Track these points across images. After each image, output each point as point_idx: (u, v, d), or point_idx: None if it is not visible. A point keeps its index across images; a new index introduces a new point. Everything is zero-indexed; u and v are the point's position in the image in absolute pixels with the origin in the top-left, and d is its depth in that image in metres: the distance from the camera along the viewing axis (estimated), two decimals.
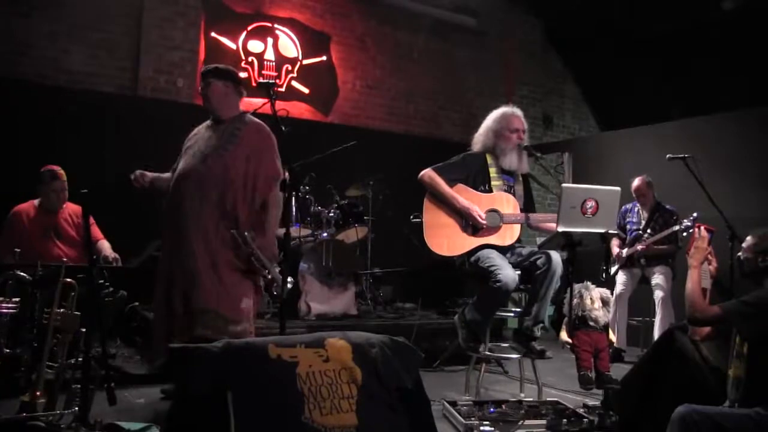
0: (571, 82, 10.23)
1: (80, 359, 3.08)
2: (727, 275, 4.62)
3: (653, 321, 5.87)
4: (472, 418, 3.50)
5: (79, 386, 2.99)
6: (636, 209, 6.27)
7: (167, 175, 3.84)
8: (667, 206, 6.13)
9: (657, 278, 5.92)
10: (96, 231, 4.96)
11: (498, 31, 9.42)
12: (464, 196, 4.15)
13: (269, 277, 3.69)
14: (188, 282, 3.52)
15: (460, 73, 9.18)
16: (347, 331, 2.83)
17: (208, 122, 3.89)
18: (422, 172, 4.27)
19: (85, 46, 6.69)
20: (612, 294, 5.46)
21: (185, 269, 3.54)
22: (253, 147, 3.74)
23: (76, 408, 2.99)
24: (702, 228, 3.23)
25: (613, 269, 6.19)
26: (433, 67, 8.97)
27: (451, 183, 4.21)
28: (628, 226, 6.26)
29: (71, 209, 4.99)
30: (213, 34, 7.44)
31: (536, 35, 9.88)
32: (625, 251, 6.13)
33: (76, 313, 3.19)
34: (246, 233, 3.60)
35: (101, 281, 4.18)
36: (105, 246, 4.92)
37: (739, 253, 3.09)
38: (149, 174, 3.86)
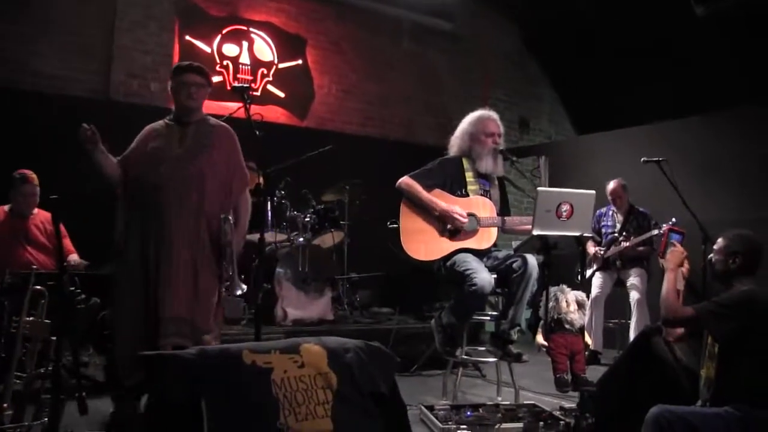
0: (547, 86, 10.29)
1: (50, 368, 3.04)
2: (700, 277, 4.69)
3: (629, 323, 5.92)
4: (450, 423, 3.52)
5: (48, 397, 2.95)
6: (611, 212, 6.34)
7: (114, 160, 3.62)
8: (641, 209, 6.21)
9: (632, 280, 5.98)
10: (68, 243, 4.90)
11: (474, 35, 9.46)
12: (441, 201, 4.17)
13: (230, 273, 3.65)
14: (166, 288, 3.44)
15: (437, 77, 9.22)
16: (322, 337, 2.83)
17: (166, 121, 3.73)
18: (399, 180, 4.28)
19: (55, 50, 6.61)
20: (588, 297, 5.51)
21: (164, 275, 3.46)
22: (227, 151, 3.71)
23: (46, 419, 2.94)
24: (677, 245, 3.30)
25: (588, 272, 6.24)
26: (409, 72, 8.98)
27: (429, 188, 4.23)
28: (603, 230, 6.33)
29: (43, 216, 4.94)
30: (187, 38, 7.40)
31: (513, 39, 9.94)
32: (602, 252, 6.19)
33: (46, 321, 3.15)
34: (228, 221, 3.59)
35: (72, 288, 4.12)
36: (73, 258, 4.88)
37: (711, 255, 3.15)
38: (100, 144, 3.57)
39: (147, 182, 3.55)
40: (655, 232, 5.83)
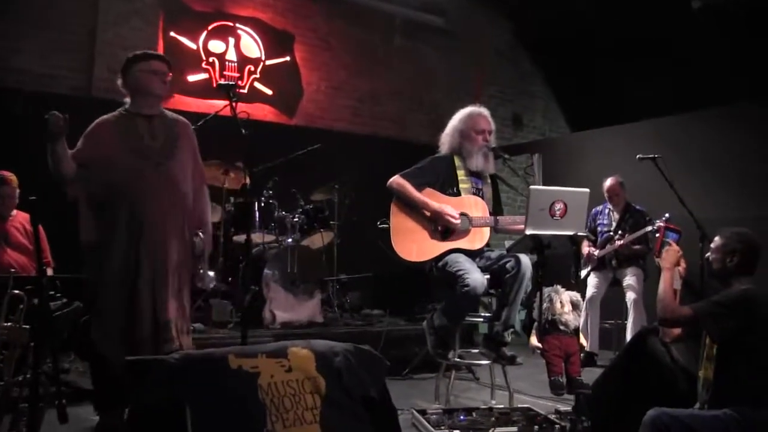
0: (541, 82, 10.31)
1: (29, 376, 3.00)
2: (697, 276, 4.69)
3: (626, 323, 5.93)
4: (442, 427, 3.50)
5: (27, 405, 2.91)
6: (606, 211, 6.34)
7: (69, 154, 3.45)
8: (638, 207, 6.22)
9: (629, 279, 5.99)
10: (45, 250, 4.87)
11: (466, 30, 9.45)
12: (432, 200, 4.15)
13: (200, 272, 3.69)
14: (159, 290, 3.43)
15: (428, 73, 9.21)
16: (311, 340, 2.82)
17: (122, 113, 3.60)
18: (390, 180, 4.26)
19: (36, 46, 6.58)
20: (583, 297, 5.50)
21: (156, 276, 3.44)
22: (191, 146, 3.72)
23: (24, 428, 2.91)
24: (673, 244, 3.29)
25: (584, 272, 6.25)
26: (399, 68, 8.98)
27: (420, 188, 4.21)
28: (598, 228, 6.33)
29: (22, 217, 4.91)
30: (172, 34, 7.37)
31: (506, 34, 9.94)
32: (597, 252, 6.19)
33: (25, 326, 3.12)
34: (197, 239, 3.62)
35: (53, 292, 4.09)
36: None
37: (708, 254, 3.14)
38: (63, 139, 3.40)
39: (130, 180, 3.46)
40: (649, 228, 5.83)
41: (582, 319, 5.71)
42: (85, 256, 3.53)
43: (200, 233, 3.67)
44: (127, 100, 3.64)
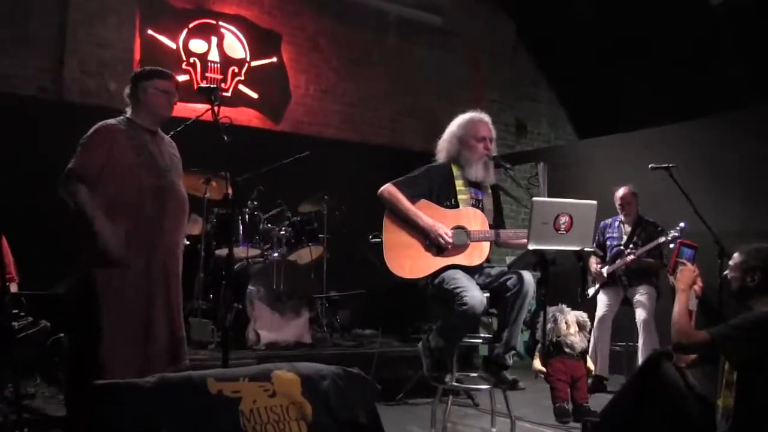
0: (545, 86, 10.34)
1: None
2: (715, 296, 4.69)
3: (636, 346, 5.92)
4: None
5: None
6: (617, 224, 6.34)
7: (88, 195, 3.58)
8: (650, 219, 6.22)
9: (639, 297, 5.97)
10: (9, 264, 4.84)
11: (465, 30, 9.48)
12: (427, 213, 4.13)
13: None
14: (171, 306, 3.62)
15: (424, 76, 9.22)
16: (296, 363, 2.81)
17: (130, 123, 3.77)
18: (381, 188, 4.24)
19: (1, 44, 6.56)
20: (590, 317, 5.48)
21: (169, 291, 3.63)
22: (181, 166, 3.97)
23: None
24: (687, 264, 3.29)
25: (592, 290, 6.23)
26: (393, 70, 8.99)
27: (414, 199, 4.19)
28: (608, 243, 6.31)
29: None
30: (150, 32, 7.36)
31: (507, 34, 9.97)
32: (605, 269, 6.17)
33: None
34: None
35: (17, 310, 4.06)
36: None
37: (726, 272, 3.14)
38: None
39: (146, 190, 3.64)
40: (662, 239, 5.81)
41: (592, 341, 5.72)
42: (94, 271, 3.57)
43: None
44: (128, 109, 3.80)
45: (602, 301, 6.15)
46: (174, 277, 3.72)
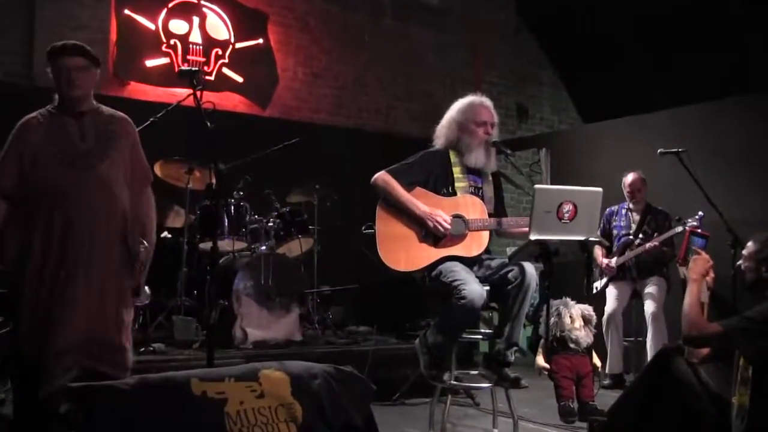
0: (548, 68, 10.34)
1: None
2: (729, 287, 4.69)
3: (645, 341, 5.92)
4: None
5: None
6: (624, 211, 6.31)
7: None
8: (660, 208, 6.21)
9: (648, 289, 5.97)
10: None
11: (464, 9, 9.47)
12: (422, 202, 4.12)
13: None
14: (93, 304, 3.43)
15: (420, 58, 9.21)
16: (285, 361, 2.80)
17: (50, 111, 3.62)
18: (375, 176, 4.23)
19: None
20: (596, 311, 5.46)
21: (90, 291, 3.44)
22: (131, 145, 3.72)
23: None
24: (700, 252, 3.28)
25: (599, 283, 6.21)
26: (388, 52, 8.97)
27: (409, 187, 4.18)
28: (615, 231, 6.29)
29: None
30: (126, 12, 7.32)
31: (508, 13, 9.97)
32: (614, 260, 6.14)
33: None
34: (142, 247, 3.63)
35: None
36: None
37: (740, 262, 3.14)
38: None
39: (49, 187, 3.48)
40: (679, 229, 5.74)
41: (609, 339, 5.76)
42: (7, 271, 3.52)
43: (143, 242, 3.66)
44: (56, 95, 3.64)
45: (611, 297, 6.14)
46: (104, 268, 3.50)
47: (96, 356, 3.40)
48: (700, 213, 5.39)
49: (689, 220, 5.59)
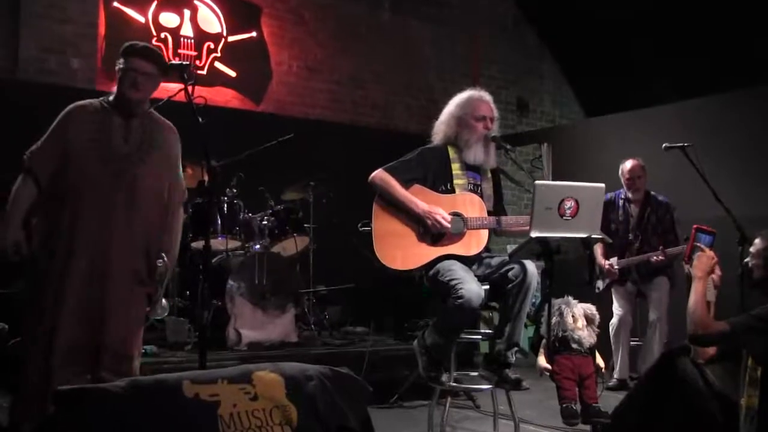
0: (549, 61, 10.34)
1: None
2: (735, 286, 4.69)
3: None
4: None
5: None
6: (621, 202, 6.19)
7: (24, 187, 3.54)
8: (660, 197, 6.11)
9: (654, 293, 5.96)
10: None
11: (462, 1, 9.49)
12: (421, 199, 4.13)
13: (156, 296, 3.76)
14: (104, 309, 3.47)
15: (418, 51, 9.22)
16: (279, 363, 2.80)
17: (103, 105, 3.69)
18: (373, 174, 4.24)
19: None
20: (598, 309, 5.44)
21: (104, 292, 3.48)
22: (174, 157, 3.81)
23: None
24: (706, 249, 3.27)
25: (600, 283, 6.17)
26: (384, 45, 8.98)
27: (407, 184, 4.19)
28: (612, 226, 6.12)
29: None
30: (115, 5, 7.31)
31: (508, 5, 9.96)
32: (614, 261, 6.07)
33: None
34: (160, 261, 3.66)
35: None
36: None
37: (747, 259, 3.14)
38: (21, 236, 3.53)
39: (88, 179, 3.53)
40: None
41: (620, 344, 5.83)
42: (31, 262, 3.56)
43: (163, 256, 3.69)
44: (115, 88, 3.71)
45: (618, 301, 6.11)
46: (120, 274, 3.53)
47: (104, 364, 3.44)
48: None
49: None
